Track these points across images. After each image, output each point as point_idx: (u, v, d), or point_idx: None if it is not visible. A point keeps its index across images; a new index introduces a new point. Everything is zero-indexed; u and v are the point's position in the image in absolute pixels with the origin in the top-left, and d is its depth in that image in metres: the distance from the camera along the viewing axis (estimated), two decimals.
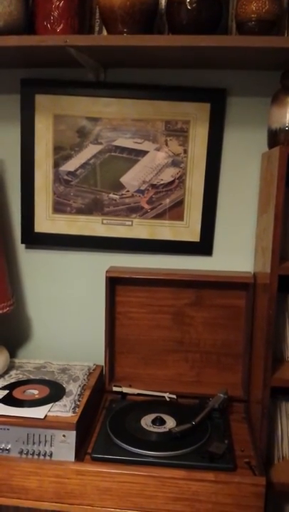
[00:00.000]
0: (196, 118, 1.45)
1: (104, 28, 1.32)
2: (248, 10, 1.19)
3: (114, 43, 1.20)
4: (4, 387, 1.34)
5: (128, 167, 1.50)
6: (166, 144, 1.48)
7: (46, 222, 1.56)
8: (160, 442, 1.22)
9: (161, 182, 1.50)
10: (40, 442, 1.18)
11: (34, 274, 1.62)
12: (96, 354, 1.54)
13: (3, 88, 1.51)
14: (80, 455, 1.18)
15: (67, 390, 1.32)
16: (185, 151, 1.48)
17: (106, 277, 1.45)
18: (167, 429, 1.25)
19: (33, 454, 1.18)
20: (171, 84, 1.45)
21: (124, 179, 1.51)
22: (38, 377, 1.41)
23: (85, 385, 1.37)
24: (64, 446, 1.17)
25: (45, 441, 1.18)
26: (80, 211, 1.54)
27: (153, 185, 1.50)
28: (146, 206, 1.52)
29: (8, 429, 1.19)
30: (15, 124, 1.51)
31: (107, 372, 1.50)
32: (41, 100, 1.48)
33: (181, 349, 1.51)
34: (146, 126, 1.48)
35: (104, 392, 1.49)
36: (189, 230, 1.52)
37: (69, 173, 1.52)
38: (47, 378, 1.40)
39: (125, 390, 1.46)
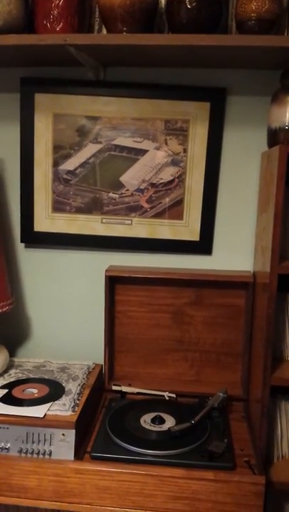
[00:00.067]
0: (196, 117, 1.45)
1: (103, 26, 1.31)
2: (248, 9, 1.19)
3: (113, 41, 1.20)
4: (4, 386, 1.34)
5: (128, 166, 1.50)
6: (166, 143, 1.48)
7: (46, 221, 1.55)
8: (159, 441, 1.22)
9: (161, 181, 1.50)
10: (39, 441, 1.18)
11: (33, 273, 1.62)
12: (95, 353, 1.54)
13: (2, 87, 1.51)
14: (79, 454, 1.18)
15: (66, 389, 1.32)
16: (185, 150, 1.48)
17: (105, 276, 1.45)
18: (167, 428, 1.25)
19: (32, 453, 1.18)
20: (170, 83, 1.45)
21: (124, 178, 1.51)
22: (37, 376, 1.41)
23: (84, 384, 1.37)
24: (63, 445, 1.17)
25: (45, 440, 1.18)
26: (79, 210, 1.54)
27: (152, 184, 1.50)
28: (146, 205, 1.52)
29: (7, 428, 1.18)
30: (14, 123, 1.51)
31: (107, 371, 1.51)
32: (41, 99, 1.48)
33: (181, 348, 1.51)
34: (146, 125, 1.47)
35: (103, 391, 1.49)
36: (189, 229, 1.52)
37: (68, 172, 1.52)
38: (46, 377, 1.40)
39: (125, 388, 1.46)
